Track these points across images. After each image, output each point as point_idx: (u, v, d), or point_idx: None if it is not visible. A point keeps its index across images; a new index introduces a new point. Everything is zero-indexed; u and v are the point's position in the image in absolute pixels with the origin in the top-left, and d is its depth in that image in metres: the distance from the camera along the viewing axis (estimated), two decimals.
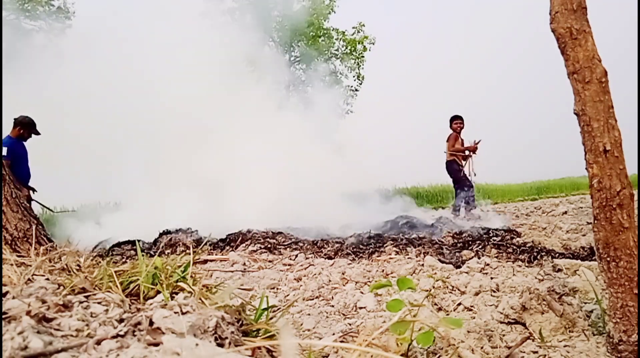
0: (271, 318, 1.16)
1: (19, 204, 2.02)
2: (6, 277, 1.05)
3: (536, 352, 1.45)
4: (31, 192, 5.26)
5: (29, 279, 1.08)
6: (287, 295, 2.32)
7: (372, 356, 0.89)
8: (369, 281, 2.54)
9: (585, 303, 1.72)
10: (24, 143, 5.15)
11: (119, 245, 4.05)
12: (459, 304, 1.97)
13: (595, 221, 1.32)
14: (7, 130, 5.07)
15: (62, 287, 1.00)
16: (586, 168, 1.34)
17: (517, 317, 1.67)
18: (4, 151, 4.76)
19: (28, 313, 0.75)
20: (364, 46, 14.10)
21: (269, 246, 3.72)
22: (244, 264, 3.10)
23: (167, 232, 4.36)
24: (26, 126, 5.08)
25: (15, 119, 5.02)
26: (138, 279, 1.15)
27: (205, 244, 3.84)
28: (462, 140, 6.34)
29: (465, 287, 2.14)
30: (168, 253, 3.73)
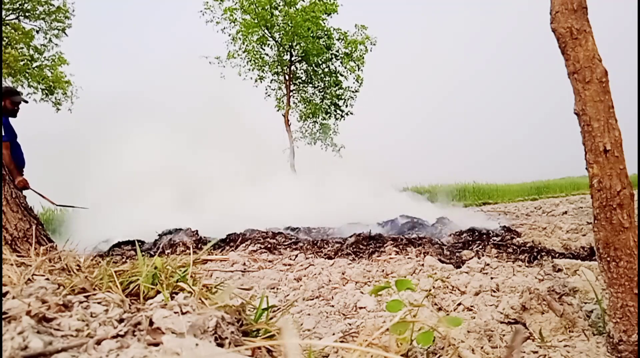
0: (271, 318, 1.16)
1: (19, 204, 2.02)
2: (6, 277, 1.05)
3: (536, 352, 1.45)
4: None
5: (29, 279, 1.08)
6: (287, 295, 2.32)
7: (372, 356, 0.89)
8: (369, 281, 2.54)
9: (585, 303, 1.72)
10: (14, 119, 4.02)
11: (119, 245, 4.05)
12: (459, 304, 1.97)
13: (596, 221, 1.32)
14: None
15: (62, 287, 1.00)
16: (586, 168, 1.34)
17: (517, 317, 1.67)
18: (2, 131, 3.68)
19: (28, 313, 0.75)
20: (365, 47, 14.10)
21: (269, 246, 3.72)
22: (244, 264, 3.09)
23: (167, 232, 4.36)
24: (4, 96, 3.86)
25: None
26: (138, 279, 1.15)
27: (208, 244, 3.84)
28: None
29: (465, 287, 2.14)
30: (168, 253, 3.74)
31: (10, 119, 4.17)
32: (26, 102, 4.22)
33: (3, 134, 3.87)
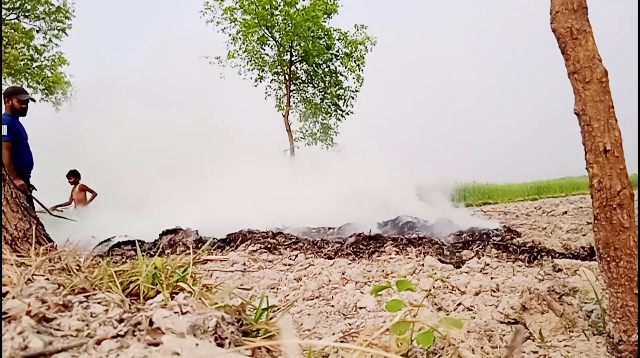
0: (271, 318, 1.16)
1: (19, 204, 2.02)
2: (6, 277, 1.05)
3: (536, 352, 1.45)
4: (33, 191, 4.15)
5: (29, 279, 1.08)
6: (287, 295, 2.32)
7: (372, 356, 0.89)
8: (369, 281, 2.54)
9: (585, 303, 1.72)
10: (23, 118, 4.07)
11: (119, 245, 4.05)
12: (459, 304, 1.97)
13: (596, 221, 1.32)
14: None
15: (62, 287, 1.00)
16: (586, 168, 1.34)
17: (517, 316, 1.67)
18: (4, 129, 3.74)
19: (28, 313, 0.75)
20: (365, 47, 14.12)
21: (269, 246, 3.72)
22: (244, 264, 3.09)
23: (167, 232, 4.36)
24: (10, 95, 3.92)
25: None
26: (138, 279, 1.15)
27: (208, 244, 3.84)
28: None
29: (465, 287, 2.14)
30: (168, 253, 3.73)
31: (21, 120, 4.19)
32: (34, 101, 4.23)
33: (6, 134, 3.85)
